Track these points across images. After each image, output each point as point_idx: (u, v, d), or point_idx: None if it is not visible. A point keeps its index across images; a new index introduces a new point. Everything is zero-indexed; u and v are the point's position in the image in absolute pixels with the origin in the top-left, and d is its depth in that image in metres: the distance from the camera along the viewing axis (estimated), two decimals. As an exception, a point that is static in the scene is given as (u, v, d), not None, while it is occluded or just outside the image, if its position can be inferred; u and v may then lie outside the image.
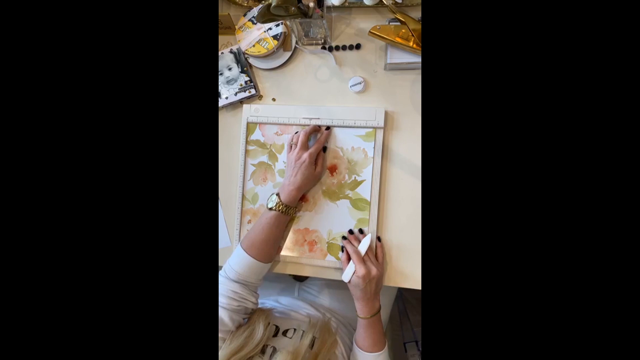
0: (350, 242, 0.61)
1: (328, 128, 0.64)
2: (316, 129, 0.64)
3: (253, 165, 0.67)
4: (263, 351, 0.53)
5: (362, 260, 0.57)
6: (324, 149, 0.63)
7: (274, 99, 0.68)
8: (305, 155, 0.59)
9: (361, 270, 0.55)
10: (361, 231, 0.63)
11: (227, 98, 0.67)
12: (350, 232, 0.62)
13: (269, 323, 0.57)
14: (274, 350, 0.53)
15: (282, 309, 0.68)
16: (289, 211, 0.60)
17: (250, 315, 0.58)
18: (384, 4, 0.60)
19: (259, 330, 0.54)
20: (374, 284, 0.57)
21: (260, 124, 0.67)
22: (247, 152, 0.67)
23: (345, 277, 0.58)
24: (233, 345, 0.51)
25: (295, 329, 0.58)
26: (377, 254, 0.61)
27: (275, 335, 0.57)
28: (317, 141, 0.62)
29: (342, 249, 0.61)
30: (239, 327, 0.55)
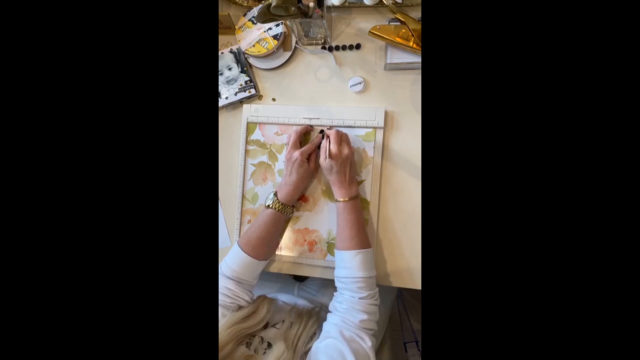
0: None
1: (330, 128, 0.64)
2: (309, 129, 0.65)
3: (253, 165, 0.67)
4: (250, 343, 0.53)
5: (337, 141, 0.59)
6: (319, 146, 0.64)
7: (274, 99, 0.68)
8: (297, 153, 0.59)
9: (335, 150, 0.57)
10: None
11: (227, 98, 0.67)
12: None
13: (272, 301, 0.60)
14: (262, 340, 0.54)
15: (279, 304, 0.68)
16: (285, 210, 0.61)
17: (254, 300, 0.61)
18: (384, 4, 0.60)
19: (263, 309, 0.57)
20: (347, 166, 0.58)
21: (260, 124, 0.67)
22: (247, 152, 0.67)
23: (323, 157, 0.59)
24: (237, 316, 0.53)
25: (283, 321, 0.59)
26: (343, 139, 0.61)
27: (265, 327, 0.57)
28: (311, 142, 0.63)
29: (323, 135, 0.62)
30: None
